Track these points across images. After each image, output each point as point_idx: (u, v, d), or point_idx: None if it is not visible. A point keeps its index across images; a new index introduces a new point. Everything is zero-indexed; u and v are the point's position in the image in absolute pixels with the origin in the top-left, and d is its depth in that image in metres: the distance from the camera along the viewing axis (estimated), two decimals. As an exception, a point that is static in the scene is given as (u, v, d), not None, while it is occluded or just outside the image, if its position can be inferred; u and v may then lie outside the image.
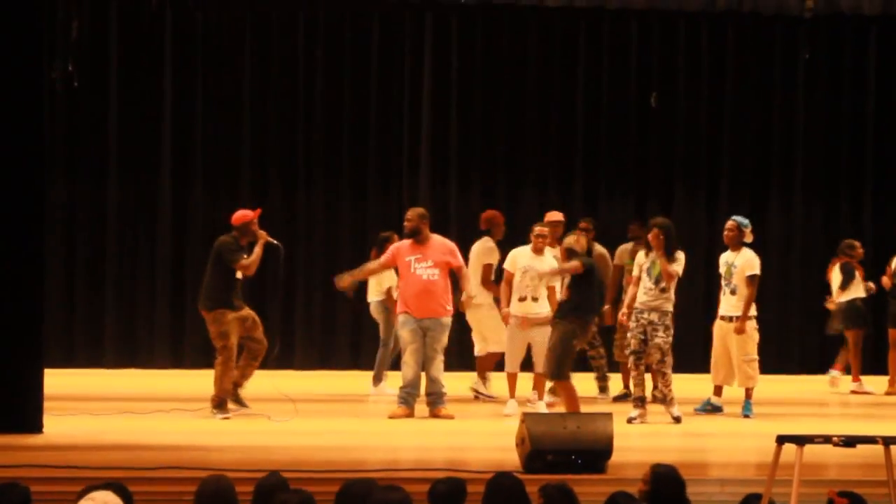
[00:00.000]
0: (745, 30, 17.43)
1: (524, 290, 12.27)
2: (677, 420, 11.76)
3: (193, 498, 6.19)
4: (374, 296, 13.85)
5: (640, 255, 12.14)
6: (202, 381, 14.19)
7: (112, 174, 16.62)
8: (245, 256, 11.86)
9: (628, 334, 12.01)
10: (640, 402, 11.86)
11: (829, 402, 14.60)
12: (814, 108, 17.56)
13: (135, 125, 16.63)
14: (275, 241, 12.05)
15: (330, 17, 16.94)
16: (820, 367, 16.94)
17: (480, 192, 17.01)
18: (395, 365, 13.83)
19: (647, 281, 11.87)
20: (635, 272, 12.11)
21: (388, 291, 13.60)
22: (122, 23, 16.56)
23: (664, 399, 11.89)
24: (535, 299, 12.29)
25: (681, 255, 11.98)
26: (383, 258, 12.44)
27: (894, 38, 17.62)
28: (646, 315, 11.82)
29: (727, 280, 12.49)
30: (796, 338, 17.42)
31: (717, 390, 12.61)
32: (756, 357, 12.47)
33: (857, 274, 15.00)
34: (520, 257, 12.41)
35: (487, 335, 13.29)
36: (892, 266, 14.95)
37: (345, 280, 12.52)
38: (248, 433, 11.04)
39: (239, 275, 11.91)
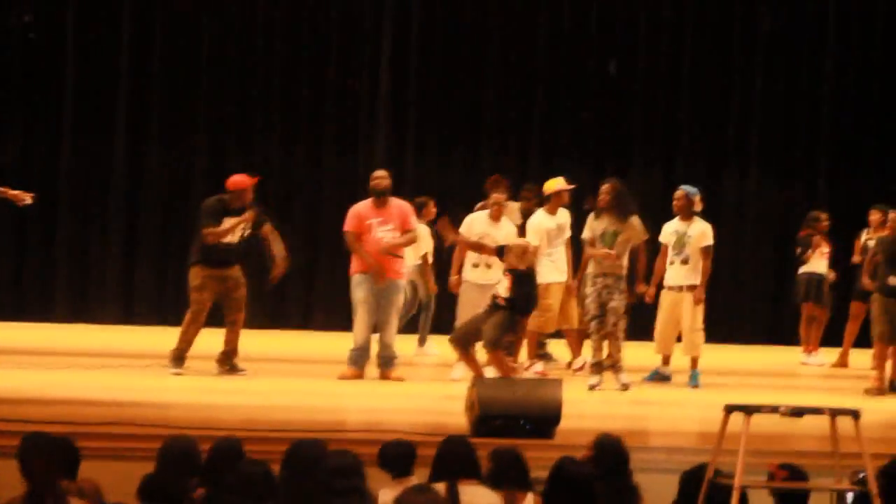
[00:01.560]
0: (706, -1, 17.48)
1: (478, 257, 12.19)
2: (625, 387, 11.76)
3: (156, 456, 6.16)
4: (410, 261, 13.72)
5: (590, 219, 12.08)
6: (152, 337, 14.15)
7: (66, 128, 16.50)
8: (224, 222, 11.69)
9: (586, 300, 11.89)
10: (599, 367, 11.83)
11: (777, 372, 14.69)
12: (772, 79, 17.62)
13: (91, 80, 16.50)
14: (248, 229, 11.86)
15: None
16: (770, 338, 17.07)
17: (437, 156, 16.98)
18: (436, 328, 14.03)
19: (599, 247, 11.82)
20: (587, 235, 12.03)
21: (425, 257, 13.88)
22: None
23: (613, 365, 11.87)
24: (488, 266, 12.25)
25: (635, 220, 11.97)
26: (349, 228, 12.13)
27: (852, 10, 17.69)
28: (601, 280, 11.79)
29: (678, 250, 12.46)
30: (748, 308, 17.53)
31: (666, 359, 12.65)
32: (703, 327, 12.50)
33: (822, 247, 14.91)
34: (476, 223, 12.33)
35: None
36: (862, 241, 14.86)
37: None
38: (196, 391, 11.01)
39: (229, 238, 11.73)
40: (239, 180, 11.91)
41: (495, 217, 12.25)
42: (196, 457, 6.10)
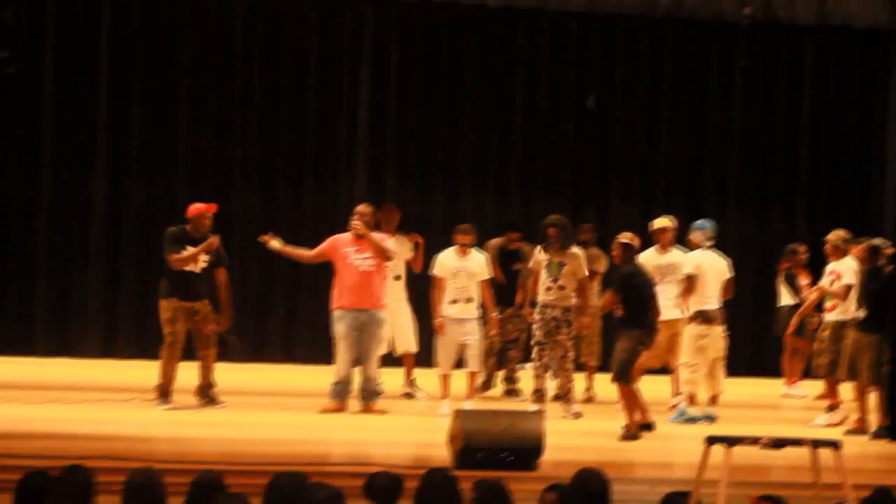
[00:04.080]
0: (684, 35, 17.55)
1: (456, 292, 12.32)
2: (577, 416, 12.06)
3: (121, 490, 6.14)
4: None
5: (538, 252, 12.40)
6: (134, 370, 14.12)
7: (46, 162, 16.47)
8: (186, 249, 11.76)
9: (533, 327, 12.19)
10: (539, 395, 12.06)
11: (759, 404, 14.72)
12: (749, 114, 17.71)
13: (70, 113, 16.49)
14: (210, 254, 11.89)
15: (269, 10, 16.87)
16: (748, 370, 17.09)
17: (417, 191, 17.00)
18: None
19: (546, 279, 12.15)
20: (532, 266, 12.41)
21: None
22: (59, 11, 16.43)
23: (565, 396, 12.13)
24: (468, 300, 12.34)
25: (577, 251, 12.25)
26: (319, 248, 12.36)
27: (828, 48, 17.83)
28: (549, 311, 12.10)
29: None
30: (730, 340, 17.51)
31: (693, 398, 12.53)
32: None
33: (801, 280, 15.05)
34: (448, 260, 12.47)
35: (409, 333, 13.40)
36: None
37: (273, 243, 12.27)
38: (178, 424, 11.00)
39: (192, 267, 11.79)
40: (198, 207, 12.04)
41: (462, 253, 12.43)
42: (160, 487, 6.07)
